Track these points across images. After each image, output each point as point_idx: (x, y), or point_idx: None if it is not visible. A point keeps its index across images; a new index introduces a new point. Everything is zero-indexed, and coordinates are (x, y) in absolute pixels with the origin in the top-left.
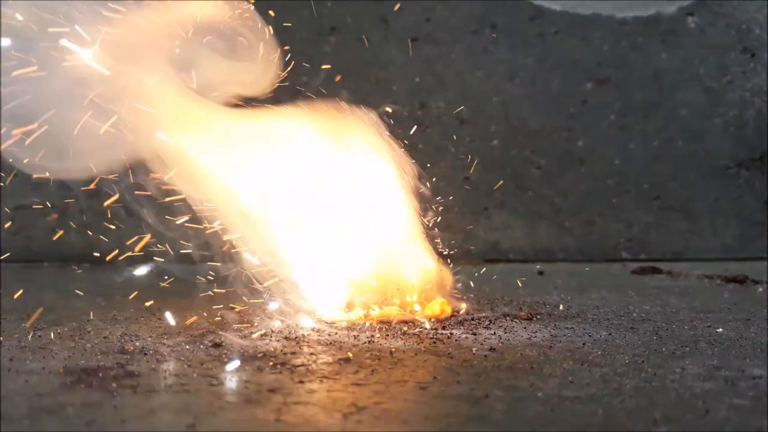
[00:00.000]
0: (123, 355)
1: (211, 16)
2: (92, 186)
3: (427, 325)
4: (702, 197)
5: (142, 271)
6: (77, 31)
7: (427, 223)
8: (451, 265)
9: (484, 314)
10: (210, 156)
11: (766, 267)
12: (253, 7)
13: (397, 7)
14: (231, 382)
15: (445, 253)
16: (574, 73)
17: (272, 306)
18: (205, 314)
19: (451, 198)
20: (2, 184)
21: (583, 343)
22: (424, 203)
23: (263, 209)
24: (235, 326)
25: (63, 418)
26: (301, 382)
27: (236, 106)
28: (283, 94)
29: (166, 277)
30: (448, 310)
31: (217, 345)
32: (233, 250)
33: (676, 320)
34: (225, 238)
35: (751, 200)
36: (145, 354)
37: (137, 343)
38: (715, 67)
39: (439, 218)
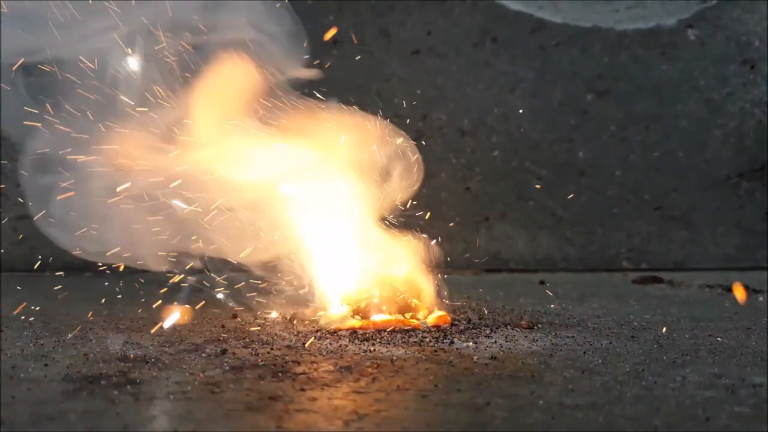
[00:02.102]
0: (125, 363)
1: None
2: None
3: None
4: (703, 207)
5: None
6: None
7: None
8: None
9: (485, 323)
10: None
11: (767, 277)
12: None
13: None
14: None
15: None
16: (575, 85)
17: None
18: (206, 322)
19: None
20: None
21: (584, 352)
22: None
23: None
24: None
25: (65, 426)
26: (303, 389)
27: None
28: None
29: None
30: (448, 320)
31: (219, 353)
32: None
33: (677, 329)
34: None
35: (752, 210)
36: (147, 362)
37: (139, 352)
38: (715, 78)
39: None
